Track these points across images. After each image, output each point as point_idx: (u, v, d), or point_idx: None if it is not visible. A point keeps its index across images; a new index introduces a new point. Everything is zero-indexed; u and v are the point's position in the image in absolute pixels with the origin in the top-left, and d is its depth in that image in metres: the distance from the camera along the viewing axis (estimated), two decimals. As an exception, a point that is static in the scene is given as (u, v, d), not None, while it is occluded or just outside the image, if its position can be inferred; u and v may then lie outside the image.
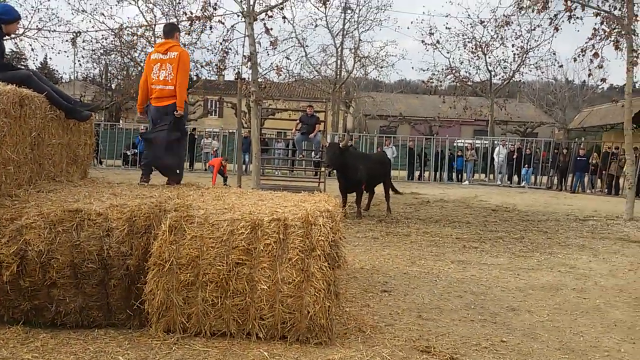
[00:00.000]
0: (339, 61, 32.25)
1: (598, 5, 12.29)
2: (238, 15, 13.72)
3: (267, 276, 3.86)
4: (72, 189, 4.98)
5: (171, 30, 6.30)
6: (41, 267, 3.83)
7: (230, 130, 24.20)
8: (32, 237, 3.84)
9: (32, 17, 25.90)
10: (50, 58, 53.33)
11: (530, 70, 30.43)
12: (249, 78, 14.10)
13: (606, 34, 12.17)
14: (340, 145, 10.42)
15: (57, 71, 41.09)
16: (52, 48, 32.02)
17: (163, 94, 6.03)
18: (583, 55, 12.90)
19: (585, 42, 12.78)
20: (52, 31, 25.09)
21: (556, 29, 13.45)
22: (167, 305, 3.81)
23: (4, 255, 3.78)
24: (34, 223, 3.89)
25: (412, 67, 49.90)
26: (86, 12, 25.77)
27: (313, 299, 3.83)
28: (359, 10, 30.13)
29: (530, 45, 26.25)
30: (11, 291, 3.82)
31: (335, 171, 10.86)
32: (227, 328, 3.86)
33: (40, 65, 37.84)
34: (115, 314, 4.02)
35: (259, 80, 14.33)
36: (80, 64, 38.10)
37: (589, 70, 13.43)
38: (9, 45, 29.10)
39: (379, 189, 11.65)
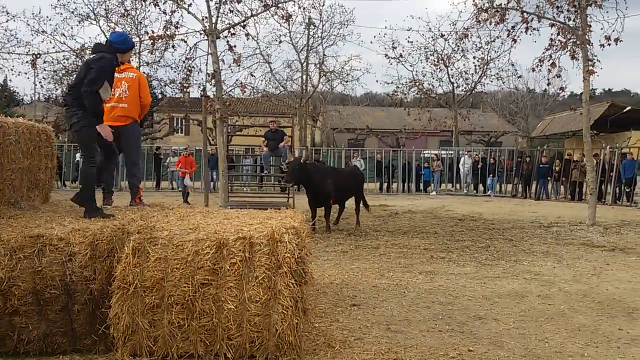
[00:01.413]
0: (304, 76, 32.42)
1: (553, 17, 12.63)
2: (200, 34, 13.73)
3: (233, 295, 3.84)
4: (33, 214, 4.90)
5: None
6: (2, 295, 3.76)
7: (197, 148, 24.04)
8: (-8, 264, 3.76)
9: (-13, 39, 25.36)
10: (10, 80, 52.38)
11: (492, 81, 31.07)
12: (213, 95, 14.07)
13: (562, 44, 12.51)
14: (301, 161, 10.53)
15: (17, 93, 40.33)
16: (11, 70, 31.45)
17: (115, 112, 6.04)
18: (541, 66, 13.22)
19: (543, 53, 13.12)
20: (11, 53, 24.66)
21: (514, 41, 13.76)
22: (132, 328, 3.76)
23: (-38, 284, 3.70)
24: (-6, 250, 3.81)
25: (377, 81, 50.89)
26: (46, 32, 25.45)
27: (281, 317, 3.83)
28: (322, 26, 30.35)
29: (490, 56, 26.85)
30: (-29, 321, 3.74)
31: (302, 187, 10.88)
32: (194, 349, 3.83)
33: (0, 87, 37.18)
34: (80, 340, 3.95)
35: (224, 97, 14.32)
36: (41, 85, 37.35)
37: (548, 79, 13.74)
38: (-33, 68, 28.52)
39: (350, 202, 11.70)
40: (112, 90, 5.87)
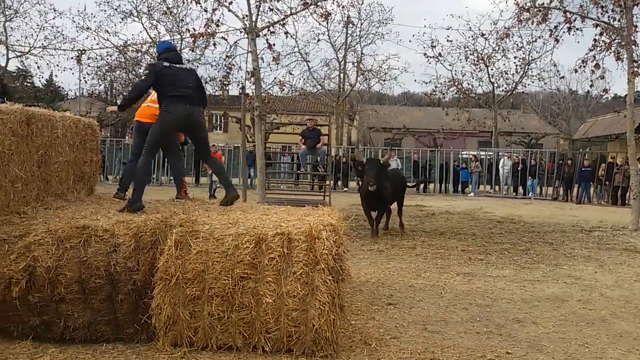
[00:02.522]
0: (341, 75, 32.41)
1: (597, 17, 12.33)
2: (241, 32, 13.87)
3: (272, 290, 3.90)
4: (79, 205, 5.05)
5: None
6: (49, 283, 3.88)
7: (235, 145, 24.29)
8: (41, 253, 3.89)
9: (37, 36, 26.15)
10: (55, 75, 53.87)
11: (533, 82, 30.46)
12: (252, 93, 14.20)
13: (606, 45, 12.20)
14: (381, 161, 9.85)
15: (62, 88, 41.41)
16: (57, 65, 32.35)
17: (146, 112, 6.37)
18: (584, 67, 12.93)
19: (586, 54, 12.81)
20: (57, 49, 25.35)
21: (556, 41, 13.48)
22: (174, 319, 3.84)
23: (12, 271, 3.84)
24: (42, 240, 3.95)
25: (415, 80, 50.39)
26: (91, 29, 26.06)
27: (318, 312, 3.86)
28: (361, 25, 30.23)
29: (532, 56, 26.30)
30: (20, 307, 3.87)
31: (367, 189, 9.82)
32: (233, 341, 3.89)
33: (45, 83, 38.27)
34: (123, 329, 4.06)
35: (262, 95, 14.44)
36: (85, 81, 38.30)
37: (591, 81, 13.45)
38: (14, 63, 29.50)
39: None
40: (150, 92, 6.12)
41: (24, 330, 3.97)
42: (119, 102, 5.66)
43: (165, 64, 5.35)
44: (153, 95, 6.19)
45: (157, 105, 5.82)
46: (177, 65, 5.41)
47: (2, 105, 4.48)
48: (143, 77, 5.46)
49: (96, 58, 26.57)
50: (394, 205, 11.14)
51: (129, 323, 4.03)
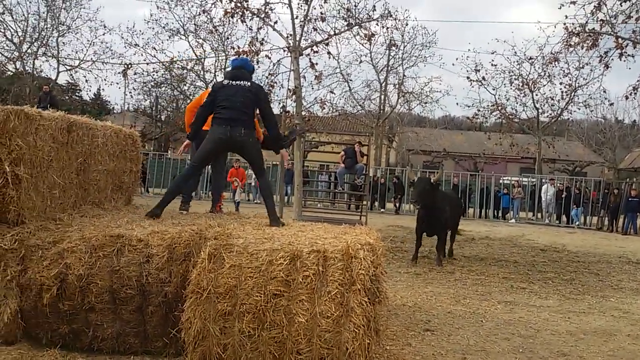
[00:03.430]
0: (382, 96, 32.31)
1: (651, 42, 11.94)
2: (284, 50, 13.94)
3: (305, 309, 3.74)
4: (115, 214, 5.03)
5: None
6: (80, 291, 3.84)
7: (274, 162, 24.38)
8: (73, 260, 3.86)
9: (87, 50, 26.95)
10: (103, 89, 55.37)
11: (579, 109, 29.80)
12: (293, 111, 14.21)
13: (660, 71, 11.78)
14: (432, 181, 9.33)
15: (109, 102, 42.49)
16: (104, 80, 33.29)
17: None
18: (635, 93, 12.50)
19: (638, 80, 12.41)
20: (105, 62, 26.01)
21: (606, 67, 13.10)
22: (203, 334, 3.73)
23: (44, 278, 3.81)
24: (76, 247, 3.92)
25: (457, 103, 49.69)
26: (138, 45, 26.66)
27: (352, 335, 3.69)
28: (404, 47, 30.13)
29: (578, 83, 25.73)
30: (50, 314, 3.84)
31: (416, 209, 9.55)
32: (263, 361, 3.75)
33: (93, 97, 39.32)
34: (152, 342, 3.97)
35: (303, 113, 14.43)
36: (131, 96, 39.22)
37: (641, 108, 12.99)
38: (64, 76, 30.41)
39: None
40: None
41: (52, 338, 3.93)
42: (187, 135, 5.68)
43: (225, 82, 5.38)
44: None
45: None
46: (235, 83, 5.37)
47: (44, 112, 4.50)
48: (207, 97, 5.49)
49: (142, 74, 27.16)
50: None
51: (158, 336, 3.95)
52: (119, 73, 28.45)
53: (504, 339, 5.20)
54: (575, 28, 13.19)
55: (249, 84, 5.45)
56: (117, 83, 45.70)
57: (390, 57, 30.51)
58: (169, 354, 3.94)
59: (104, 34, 36.46)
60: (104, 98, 42.15)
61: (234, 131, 5.27)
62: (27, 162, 4.08)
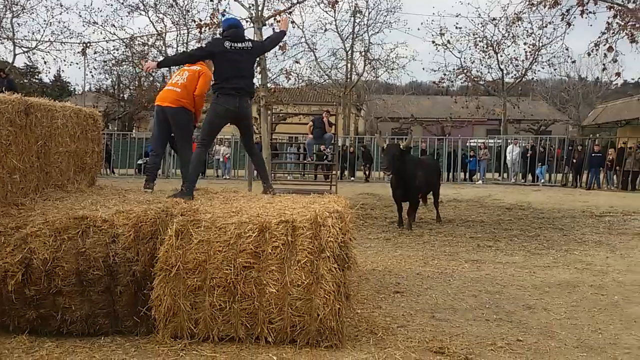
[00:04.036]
0: (349, 64, 32.20)
1: (611, -1, 12.11)
2: (246, 21, 13.74)
3: (275, 279, 3.79)
4: (79, 196, 4.96)
5: None
6: (46, 276, 3.79)
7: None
8: (37, 245, 3.81)
9: (44, 31, 26.16)
10: (63, 71, 53.91)
11: (543, 68, 30.19)
12: (258, 83, 14.09)
13: (620, 27, 11.98)
14: (401, 147, 9.34)
15: (70, 83, 41.47)
16: (64, 60, 32.39)
17: (168, 95, 6.00)
18: (597, 50, 12.73)
19: (599, 37, 12.62)
20: (64, 43, 25.29)
21: (568, 25, 13.27)
22: (174, 311, 3.75)
23: (8, 264, 3.76)
24: (39, 231, 3.86)
25: (423, 69, 49.87)
26: (97, 23, 26.00)
27: (323, 302, 3.76)
28: (369, 13, 30.03)
29: (542, 42, 26.02)
30: (16, 300, 3.79)
31: (387, 175, 9.53)
32: (235, 333, 3.80)
33: (53, 79, 38.31)
34: (122, 321, 3.97)
35: (269, 85, 14.33)
36: (92, 76, 38.26)
37: (603, 64, 13.24)
38: (21, 59, 29.55)
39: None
40: (172, 76, 5.98)
41: (20, 324, 3.88)
42: (158, 62, 5.58)
43: (227, 44, 5.31)
44: (173, 78, 6.08)
45: (179, 90, 5.75)
46: (239, 46, 5.34)
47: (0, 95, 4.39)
48: (197, 48, 5.40)
49: (102, 52, 26.52)
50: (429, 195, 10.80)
51: (128, 315, 3.94)
52: (78, 53, 27.69)
53: (471, 296, 5.34)
54: (538, -14, 13.31)
55: (250, 45, 5.46)
56: (77, 63, 44.61)
57: (355, 24, 30.38)
58: (140, 333, 3.93)
59: (60, 14, 35.53)
60: (64, 79, 41.12)
61: (242, 102, 5.32)
62: (-17, 148, 3.99)
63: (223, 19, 6.30)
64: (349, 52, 31.44)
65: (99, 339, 3.88)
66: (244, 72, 5.31)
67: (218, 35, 5.49)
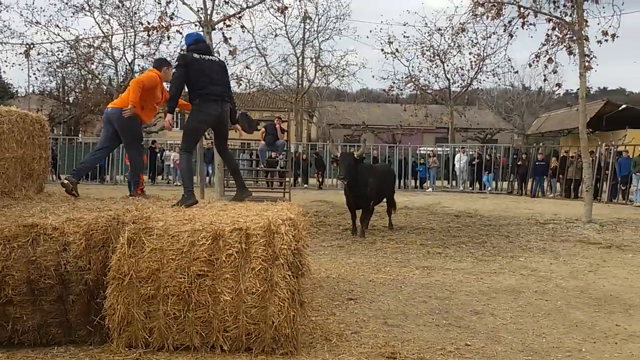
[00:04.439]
0: (300, 71, 32.33)
1: (550, 12, 12.59)
2: (195, 25, 13.66)
3: (230, 287, 3.80)
4: (27, 203, 4.85)
5: (157, 64, 6.44)
6: (-5, 285, 3.70)
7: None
8: (-14, 254, 3.70)
9: (-15, 32, 25.15)
10: (4, 72, 52.02)
11: (488, 77, 31.07)
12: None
13: (559, 39, 12.48)
14: (355, 155, 9.49)
15: (12, 85, 40.02)
16: (5, 61, 31.21)
17: (114, 101, 6.12)
18: (537, 61, 13.20)
19: (539, 48, 13.11)
20: (4, 43, 24.43)
21: (510, 36, 13.73)
22: (128, 319, 3.71)
23: (-45, 273, 3.65)
24: (-13, 239, 3.76)
25: (373, 76, 50.56)
26: (40, 24, 25.22)
27: (277, 309, 3.79)
28: (318, 20, 30.23)
29: (486, 52, 26.74)
30: (-36, 311, 3.69)
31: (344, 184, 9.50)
32: (190, 341, 3.79)
33: (-6, 79, 36.91)
34: (75, 331, 3.90)
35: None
36: (36, 78, 37.03)
37: (544, 75, 13.74)
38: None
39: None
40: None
41: (-32, 335, 3.78)
42: (167, 109, 5.52)
43: (196, 56, 5.36)
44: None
45: (123, 94, 5.77)
46: (207, 57, 5.43)
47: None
48: (174, 71, 5.40)
49: (47, 54, 25.69)
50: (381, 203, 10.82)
51: (82, 325, 3.88)
52: (20, 54, 26.79)
53: (421, 302, 5.47)
54: (481, -2, 13.71)
55: (217, 58, 5.61)
56: (20, 65, 43.04)
57: (306, 30, 30.54)
58: (94, 342, 3.88)
59: (0, 12, 34.08)
60: (5, 81, 39.64)
61: (224, 107, 5.42)
62: None
63: (185, 34, 6.34)
64: (300, 58, 31.59)
65: (52, 349, 3.81)
66: (218, 81, 5.39)
67: (182, 51, 5.53)
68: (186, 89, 5.51)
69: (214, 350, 3.79)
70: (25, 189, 5.40)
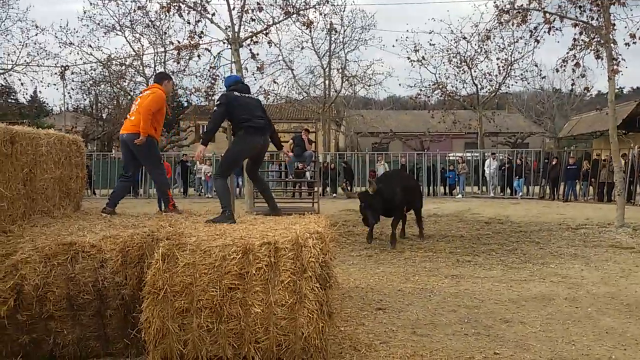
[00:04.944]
0: (327, 81, 32.49)
1: (576, 16, 12.48)
2: (224, 43, 13.92)
3: (260, 299, 3.92)
4: (65, 221, 5.05)
5: (158, 78, 6.64)
6: (38, 301, 3.89)
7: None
8: (28, 271, 3.90)
9: (20, 52, 25.95)
10: (40, 91, 53.39)
11: (516, 82, 30.77)
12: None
13: (586, 43, 12.36)
14: (370, 192, 9.53)
15: (47, 104, 41.15)
16: (41, 82, 32.14)
17: (126, 125, 6.25)
18: (565, 66, 13.08)
19: (566, 53, 12.97)
20: (40, 65, 25.15)
21: (537, 41, 13.64)
22: (163, 332, 3.85)
23: (0, 290, 3.84)
24: (29, 258, 3.96)
25: (400, 84, 50.43)
26: (73, 44, 25.90)
27: (307, 320, 3.89)
28: (344, 31, 30.41)
29: (514, 57, 26.53)
30: (9, 325, 3.88)
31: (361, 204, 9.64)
32: (223, 353, 3.91)
33: (30, 99, 38.04)
34: (113, 344, 4.06)
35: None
36: (70, 96, 37.96)
37: (572, 80, 13.57)
38: (-2, 80, 29.32)
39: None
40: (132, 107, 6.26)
41: (13, 349, 3.96)
42: (201, 141, 5.84)
43: (236, 93, 5.72)
44: (132, 108, 6.26)
45: (133, 117, 6.06)
46: (248, 96, 5.83)
47: (-16, 125, 4.48)
48: (215, 108, 5.70)
49: (80, 73, 26.34)
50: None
51: (119, 338, 4.04)
52: (55, 74, 27.56)
53: (450, 311, 5.51)
54: (505, 5, 13.65)
55: (255, 97, 6.10)
56: (55, 84, 44.20)
57: (332, 42, 30.74)
58: (131, 355, 4.04)
59: (36, 35, 35.03)
60: (41, 100, 40.81)
61: (266, 139, 5.84)
62: (-29, 177, 4.08)
63: (226, 77, 6.71)
64: (326, 69, 31.77)
65: (90, 361, 3.98)
66: (259, 113, 5.72)
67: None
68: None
69: (245, 361, 3.91)
70: (64, 208, 5.62)
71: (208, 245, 4.06)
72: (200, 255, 4.00)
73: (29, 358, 3.97)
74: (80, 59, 27.44)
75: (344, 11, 28.74)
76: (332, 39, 30.43)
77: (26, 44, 26.43)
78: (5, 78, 27.92)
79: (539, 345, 4.49)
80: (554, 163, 21.49)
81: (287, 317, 3.91)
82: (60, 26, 37.27)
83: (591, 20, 12.37)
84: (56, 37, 26.78)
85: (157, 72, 6.13)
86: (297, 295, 3.92)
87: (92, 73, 26.70)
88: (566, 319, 5.28)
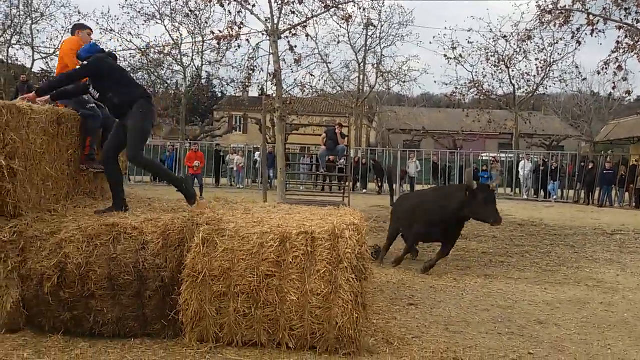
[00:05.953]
0: (361, 76, 32.46)
1: (620, 19, 12.22)
2: (263, 34, 14.00)
3: (296, 287, 3.96)
4: (106, 204, 5.15)
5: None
6: (80, 279, 3.99)
7: (255, 146, 24.44)
8: (72, 250, 4.00)
9: (62, 37, 26.55)
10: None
11: (555, 84, 30.27)
12: (273, 94, 14.32)
13: (630, 46, 12.10)
14: (490, 187, 6.98)
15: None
16: (81, 67, 32.79)
17: None
18: (607, 69, 12.84)
19: (609, 55, 12.74)
20: (82, 50, 25.62)
21: (578, 43, 13.43)
22: (200, 315, 3.93)
23: (45, 267, 3.96)
24: (73, 237, 4.06)
25: (435, 82, 49.85)
26: (114, 31, 26.41)
27: (341, 310, 3.92)
28: (381, 27, 30.31)
29: (553, 58, 26.09)
30: (52, 302, 3.99)
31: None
32: (258, 338, 3.97)
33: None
34: (151, 325, 4.15)
35: (283, 96, 14.54)
36: (108, 83, 38.60)
37: (614, 83, 13.31)
38: (39, 64, 30.01)
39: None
40: None
41: (55, 325, 4.08)
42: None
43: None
44: None
45: None
46: None
47: (34, 105, 4.60)
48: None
49: (119, 60, 26.83)
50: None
51: (157, 319, 4.12)
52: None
53: (483, 310, 5.47)
54: (547, 5, 13.46)
55: None
56: (94, 70, 44.96)
57: (368, 37, 30.67)
58: (168, 336, 4.11)
59: (79, 20, 35.79)
60: (81, 86, 41.51)
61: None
62: (21, 156, 4.19)
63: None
64: (362, 64, 31.71)
65: (129, 340, 4.07)
66: None
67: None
68: None
69: (280, 347, 3.96)
70: (105, 191, 5.73)
71: (247, 232, 4.12)
72: (239, 241, 4.06)
73: (70, 335, 4.07)
74: (120, 45, 27.92)
75: (382, 6, 28.55)
76: (369, 34, 30.35)
77: (68, 29, 26.98)
78: (47, 62, 28.63)
79: (574, 348, 4.44)
80: (590, 167, 21.08)
81: (322, 306, 3.94)
82: (102, 13, 37.98)
83: (636, 23, 12.11)
84: (97, 23, 27.28)
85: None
86: (332, 285, 3.96)
87: (130, 60, 27.18)
88: (602, 323, 5.19)
